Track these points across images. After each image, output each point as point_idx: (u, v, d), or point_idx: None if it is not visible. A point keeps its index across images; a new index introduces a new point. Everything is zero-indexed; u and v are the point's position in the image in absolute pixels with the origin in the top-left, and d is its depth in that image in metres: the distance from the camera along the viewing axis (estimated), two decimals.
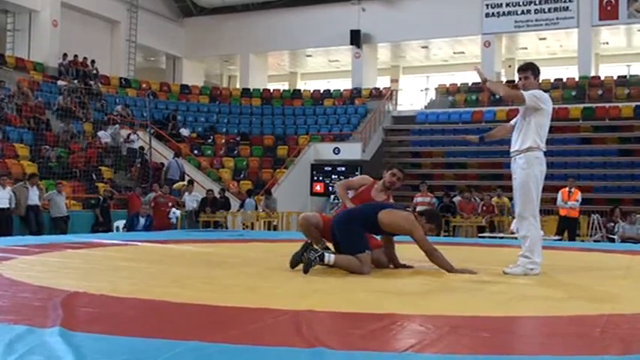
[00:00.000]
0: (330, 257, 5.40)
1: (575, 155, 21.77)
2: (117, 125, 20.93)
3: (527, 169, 5.66)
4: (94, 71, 24.64)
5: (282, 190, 20.35)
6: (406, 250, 6.30)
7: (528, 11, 25.91)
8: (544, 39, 28.03)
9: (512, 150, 5.84)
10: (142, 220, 14.03)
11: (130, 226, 14.04)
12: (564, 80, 26.06)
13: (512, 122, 6.11)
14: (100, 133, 20.48)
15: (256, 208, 17.87)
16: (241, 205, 17.93)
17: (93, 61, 24.74)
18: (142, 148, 20.70)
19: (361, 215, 5.75)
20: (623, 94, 23.93)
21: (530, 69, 5.89)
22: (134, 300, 4.05)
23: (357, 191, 6.57)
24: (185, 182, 18.60)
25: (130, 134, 20.70)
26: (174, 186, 18.04)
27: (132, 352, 2.65)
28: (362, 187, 6.60)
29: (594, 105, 23.27)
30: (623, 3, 24.46)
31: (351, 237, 5.63)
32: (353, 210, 5.95)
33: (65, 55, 23.96)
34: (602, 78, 25.71)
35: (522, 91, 5.70)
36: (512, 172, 5.87)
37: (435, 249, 5.66)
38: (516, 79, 6.00)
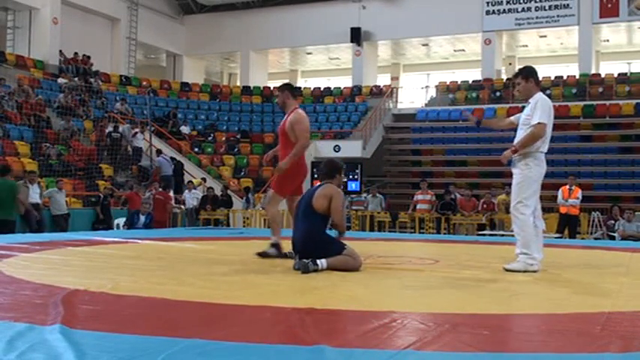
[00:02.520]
0: (322, 262, 5.43)
1: (575, 153, 21.79)
2: (127, 125, 20.92)
3: (525, 171, 5.75)
4: (90, 67, 24.62)
5: None
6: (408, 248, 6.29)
7: (529, 9, 25.91)
8: (545, 36, 28.03)
9: None
10: (142, 218, 14.06)
11: (131, 224, 14.07)
12: (565, 78, 26.08)
13: (512, 118, 6.14)
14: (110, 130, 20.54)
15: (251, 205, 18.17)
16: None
17: (88, 57, 24.73)
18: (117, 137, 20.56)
19: (311, 222, 5.65)
20: (623, 92, 23.92)
21: (519, 75, 5.98)
22: (135, 297, 4.05)
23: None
24: (200, 179, 19.19)
25: (136, 132, 20.68)
26: (195, 182, 18.54)
27: (132, 349, 2.65)
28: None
29: (595, 102, 23.27)
30: (623, 1, 24.46)
31: (323, 247, 5.59)
32: (304, 224, 5.70)
33: (61, 51, 23.94)
34: (603, 75, 25.71)
35: (536, 125, 5.65)
36: (513, 171, 5.93)
37: (343, 223, 5.99)
38: (518, 78, 6.03)
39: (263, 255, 6.48)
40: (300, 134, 6.68)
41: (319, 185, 5.86)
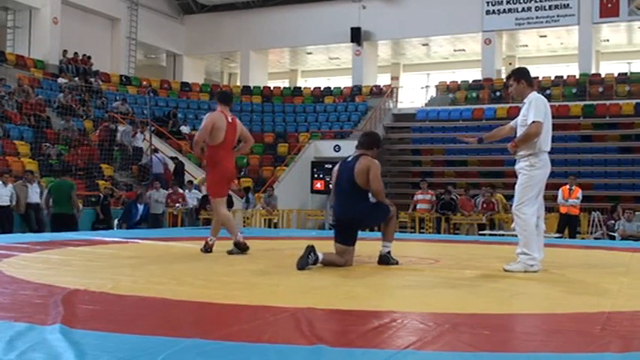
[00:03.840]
0: (387, 245, 6.02)
1: (575, 153, 21.78)
2: (129, 126, 20.91)
3: (530, 172, 5.75)
4: (91, 67, 24.62)
5: (283, 188, 20.35)
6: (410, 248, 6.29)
7: (529, 8, 25.89)
8: (545, 36, 28.02)
9: (517, 153, 5.89)
10: (140, 208, 13.80)
11: (128, 217, 13.78)
12: (565, 78, 26.06)
13: (512, 123, 6.15)
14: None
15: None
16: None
17: (89, 57, 24.74)
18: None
19: (357, 198, 5.96)
20: (623, 92, 23.91)
21: (511, 76, 6.03)
22: (135, 297, 4.05)
23: (222, 136, 7.11)
24: (202, 177, 19.07)
25: (136, 132, 20.64)
26: (196, 181, 18.48)
27: (132, 349, 2.65)
28: (219, 127, 7.04)
29: (595, 102, 23.25)
30: (623, 0, 24.45)
31: (373, 213, 6.05)
32: (351, 202, 5.99)
33: (65, 51, 23.97)
34: (603, 75, 25.70)
35: (532, 124, 5.67)
36: (516, 171, 5.93)
37: (382, 191, 6.03)
38: (510, 80, 6.08)
39: (230, 252, 6.90)
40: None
41: (355, 158, 6.01)
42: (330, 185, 6.73)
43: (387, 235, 6.05)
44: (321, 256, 5.65)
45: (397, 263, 5.99)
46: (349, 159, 6.11)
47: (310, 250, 5.57)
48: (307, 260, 5.51)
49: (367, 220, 6.07)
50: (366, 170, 5.88)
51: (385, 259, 5.98)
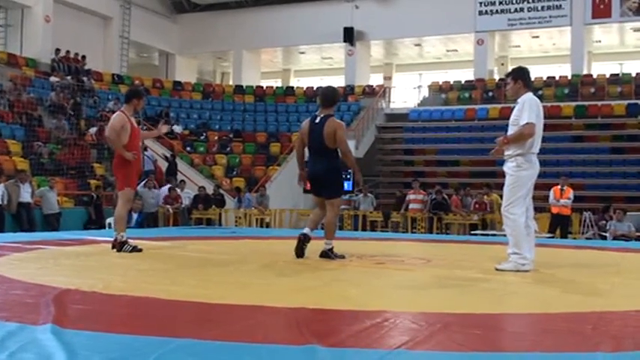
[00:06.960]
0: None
1: (567, 153, 21.84)
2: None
3: (517, 172, 5.79)
4: (83, 65, 24.53)
5: (275, 188, 20.33)
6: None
7: (521, 9, 25.97)
8: (537, 37, 28.10)
9: (505, 153, 5.91)
10: (134, 216, 13.92)
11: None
12: (557, 78, 26.15)
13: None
14: (92, 130, 20.40)
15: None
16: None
17: (83, 57, 24.67)
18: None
19: (328, 157, 6.53)
20: (615, 92, 24.01)
21: (509, 75, 6.06)
22: (126, 297, 4.04)
23: (127, 133, 7.13)
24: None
25: None
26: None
27: (124, 349, 2.65)
28: (124, 126, 7.08)
29: (587, 103, 23.34)
30: (616, 1, 24.56)
31: (339, 177, 6.78)
32: (322, 161, 6.60)
33: (58, 50, 23.88)
34: (595, 76, 25.80)
35: (525, 125, 5.69)
36: (505, 172, 5.96)
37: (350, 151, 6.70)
38: (508, 78, 6.09)
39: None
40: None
41: (322, 120, 6.49)
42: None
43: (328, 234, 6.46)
44: (307, 230, 6.29)
45: (343, 257, 6.37)
46: (317, 120, 6.54)
47: (303, 238, 6.24)
48: (303, 247, 6.19)
49: (335, 181, 6.66)
50: (332, 132, 6.38)
51: (326, 255, 6.34)
